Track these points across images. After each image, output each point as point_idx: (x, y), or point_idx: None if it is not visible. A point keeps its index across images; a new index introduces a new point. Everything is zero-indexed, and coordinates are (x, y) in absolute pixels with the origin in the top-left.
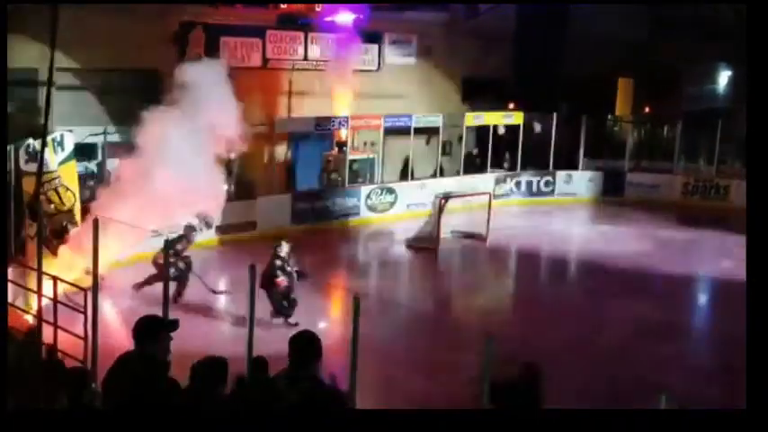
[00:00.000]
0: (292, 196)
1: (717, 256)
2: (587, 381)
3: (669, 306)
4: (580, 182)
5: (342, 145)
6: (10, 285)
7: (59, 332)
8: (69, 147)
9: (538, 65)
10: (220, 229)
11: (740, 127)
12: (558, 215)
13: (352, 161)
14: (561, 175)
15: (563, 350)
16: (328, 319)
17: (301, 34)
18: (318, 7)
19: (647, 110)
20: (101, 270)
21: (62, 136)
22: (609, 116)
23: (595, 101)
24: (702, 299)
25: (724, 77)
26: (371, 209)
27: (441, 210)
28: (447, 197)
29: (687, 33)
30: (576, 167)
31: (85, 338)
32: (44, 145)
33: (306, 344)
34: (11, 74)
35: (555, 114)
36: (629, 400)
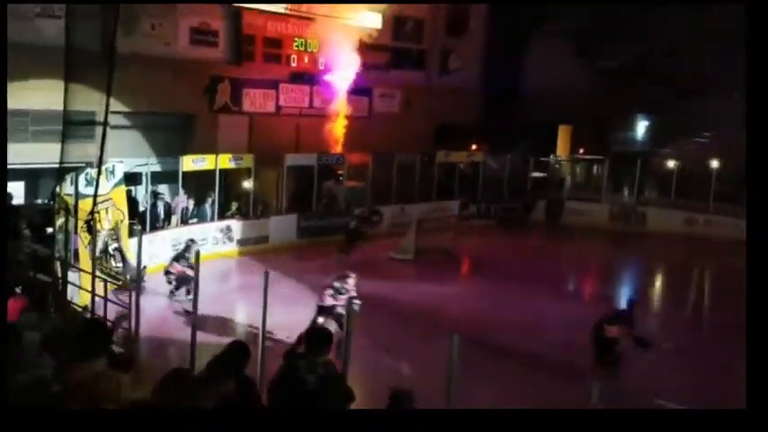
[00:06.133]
0: (298, 216)
1: None
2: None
3: None
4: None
5: (339, 176)
6: (69, 286)
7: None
8: (119, 174)
9: (497, 114)
10: (240, 242)
11: (656, 166)
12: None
13: (348, 189)
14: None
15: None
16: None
17: (308, 87)
18: (321, 65)
19: (581, 151)
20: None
21: (114, 166)
22: (551, 156)
23: (541, 143)
24: None
25: (642, 126)
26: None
27: (417, 228)
28: (422, 219)
29: (618, 86)
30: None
31: (129, 330)
32: (99, 173)
33: (320, 336)
34: (75, 115)
35: (509, 155)
36: None
